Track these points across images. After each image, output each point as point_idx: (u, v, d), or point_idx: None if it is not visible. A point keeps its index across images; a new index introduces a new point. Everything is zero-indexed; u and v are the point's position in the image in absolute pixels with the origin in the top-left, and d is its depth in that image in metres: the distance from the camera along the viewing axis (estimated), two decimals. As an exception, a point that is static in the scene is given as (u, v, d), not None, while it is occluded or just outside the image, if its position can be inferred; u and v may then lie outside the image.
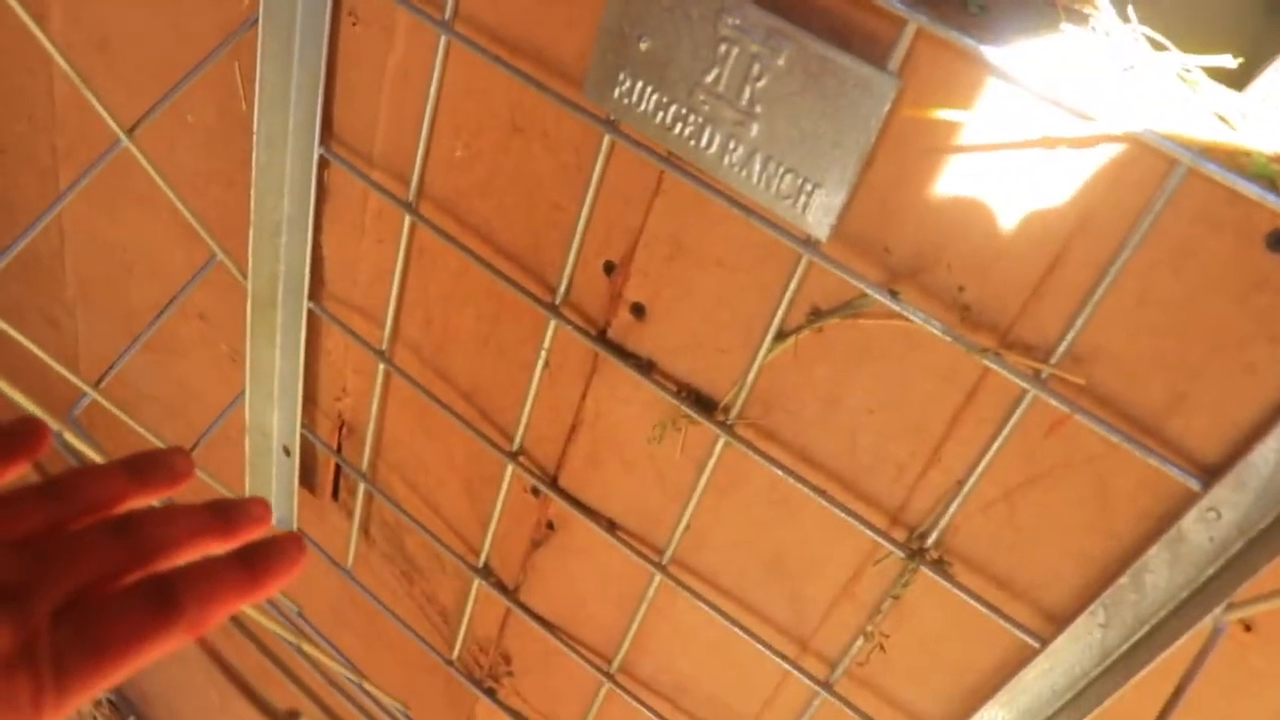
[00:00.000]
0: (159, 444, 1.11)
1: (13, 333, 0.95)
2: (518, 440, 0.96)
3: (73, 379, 1.01)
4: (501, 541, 1.06)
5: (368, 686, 1.13)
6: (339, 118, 0.97)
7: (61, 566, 0.47)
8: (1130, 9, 0.61)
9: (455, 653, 1.17)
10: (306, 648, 0.90)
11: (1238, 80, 0.64)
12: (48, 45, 0.84)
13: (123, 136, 0.89)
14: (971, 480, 0.73)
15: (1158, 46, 0.61)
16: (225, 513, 0.54)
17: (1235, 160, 0.57)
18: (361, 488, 1.16)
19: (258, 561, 0.51)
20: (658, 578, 0.92)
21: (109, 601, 0.47)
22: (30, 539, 0.48)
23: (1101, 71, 0.60)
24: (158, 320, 1.04)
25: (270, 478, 1.21)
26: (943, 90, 0.63)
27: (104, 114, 0.87)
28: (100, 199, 1.32)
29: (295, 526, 1.25)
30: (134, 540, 0.50)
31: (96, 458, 1.05)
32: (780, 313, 0.75)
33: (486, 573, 1.08)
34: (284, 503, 1.24)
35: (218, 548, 0.52)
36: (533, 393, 0.92)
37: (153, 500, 0.54)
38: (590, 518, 0.95)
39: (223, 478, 1.16)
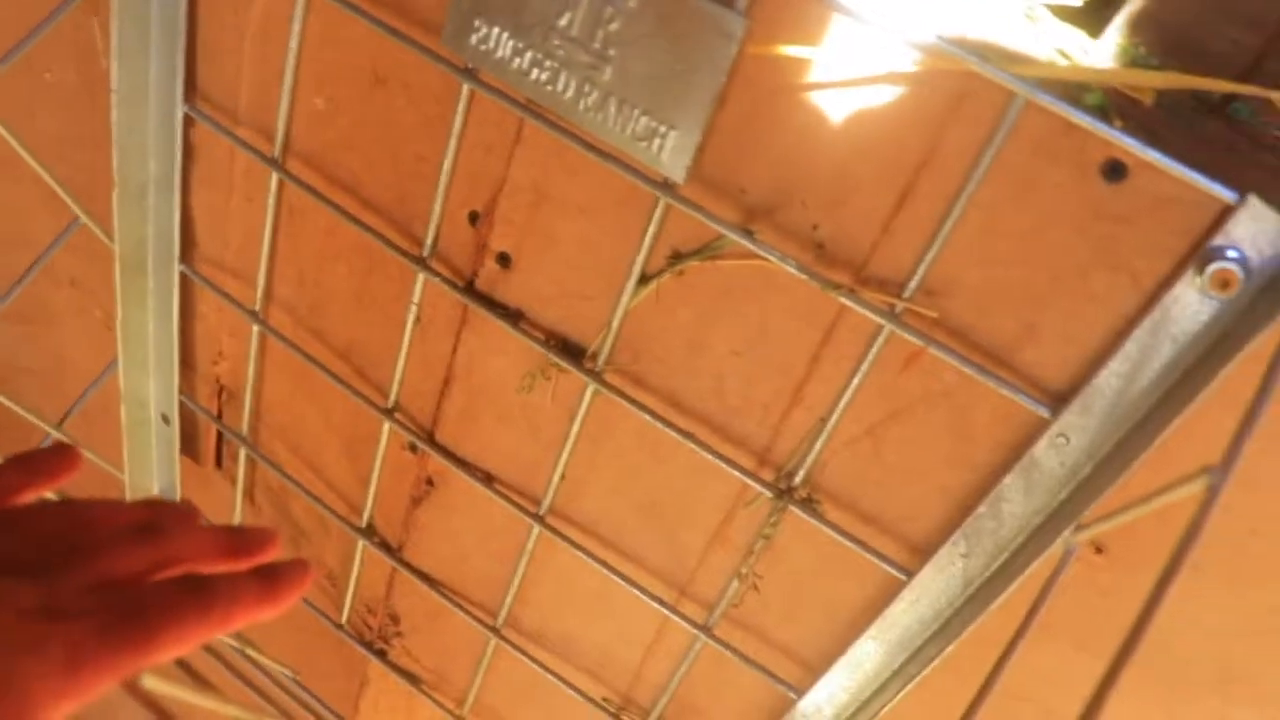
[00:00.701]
0: (33, 419, 1.09)
1: None
2: (393, 397, 0.96)
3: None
4: (383, 500, 1.05)
5: (251, 653, 1.12)
6: (202, 74, 0.95)
7: (87, 553, 0.50)
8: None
9: (344, 616, 1.16)
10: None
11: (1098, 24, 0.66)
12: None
13: (-29, 96, 0.87)
14: (834, 417, 0.74)
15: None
16: (238, 536, 0.57)
17: (1071, 92, 0.59)
18: (243, 453, 1.15)
19: (272, 577, 0.54)
20: (536, 529, 0.92)
21: (145, 585, 0.50)
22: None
23: (946, 8, 0.60)
24: (18, 286, 1.01)
25: (150, 447, 1.19)
26: (789, 28, 0.64)
27: (-51, 72, 0.84)
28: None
29: (179, 496, 1.23)
30: (157, 543, 0.53)
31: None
32: (641, 257, 0.75)
33: (370, 533, 1.07)
34: (166, 472, 1.22)
35: (232, 566, 0.55)
36: (405, 347, 0.91)
37: (44, 493, 0.56)
38: (467, 472, 0.95)
39: (101, 450, 1.14)
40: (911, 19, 0.60)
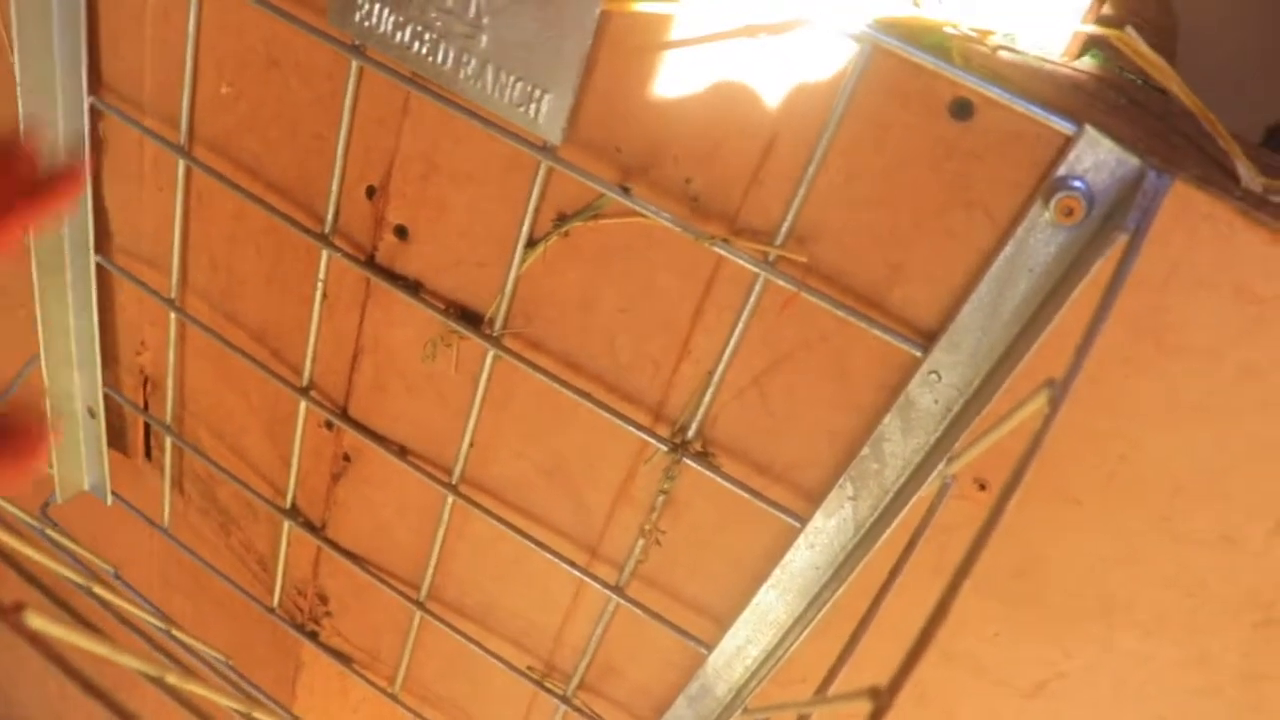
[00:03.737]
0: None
1: None
2: (306, 375, 0.97)
3: None
4: (305, 480, 1.06)
5: (180, 635, 1.13)
6: (106, 65, 0.96)
7: None
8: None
9: (275, 599, 1.18)
10: (103, 592, 0.90)
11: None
12: None
13: None
14: (720, 369, 0.76)
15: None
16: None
17: (915, 35, 0.61)
18: (169, 442, 1.16)
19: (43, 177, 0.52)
20: (450, 499, 0.94)
21: None
22: None
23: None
24: (-66, 282, 1.02)
25: (78, 442, 1.20)
26: (647, -15, 0.66)
27: None
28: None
29: (109, 491, 1.24)
30: None
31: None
32: (528, 221, 0.77)
33: (294, 513, 1.09)
34: (95, 467, 1.23)
35: None
36: (314, 325, 0.93)
37: None
38: (381, 445, 0.96)
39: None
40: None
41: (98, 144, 1.01)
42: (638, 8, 0.65)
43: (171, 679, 0.66)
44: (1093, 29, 0.68)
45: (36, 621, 0.51)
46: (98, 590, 0.88)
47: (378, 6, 0.74)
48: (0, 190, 0.50)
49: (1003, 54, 0.66)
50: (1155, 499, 0.68)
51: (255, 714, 0.96)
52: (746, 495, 0.79)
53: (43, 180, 0.52)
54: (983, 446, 0.63)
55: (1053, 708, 0.80)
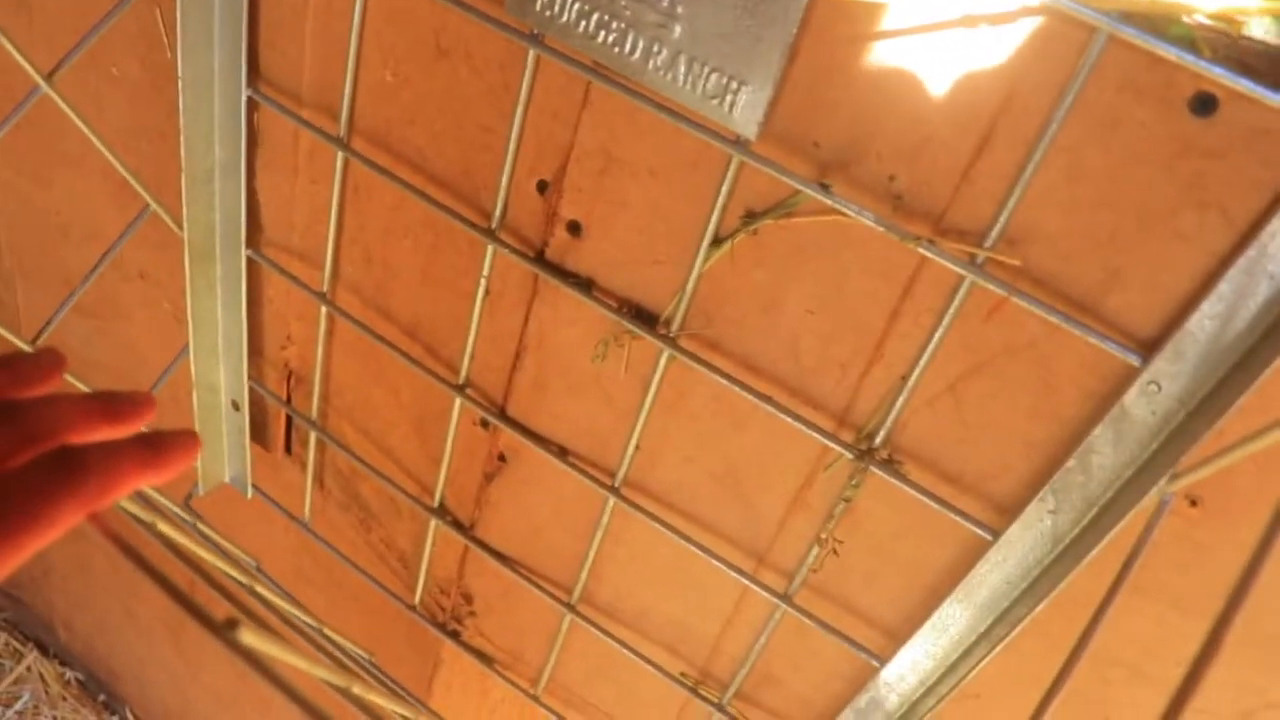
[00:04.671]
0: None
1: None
2: (464, 372, 0.95)
3: (15, 340, 1.00)
4: (455, 479, 1.05)
5: (329, 632, 1.12)
6: (265, 57, 0.95)
7: None
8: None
9: (417, 597, 1.17)
10: (263, 592, 0.90)
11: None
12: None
13: (41, 83, 0.87)
14: (915, 374, 0.72)
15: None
16: (109, 397, 0.55)
17: (1155, 25, 0.57)
18: (313, 436, 1.15)
19: (156, 442, 0.52)
20: (611, 501, 0.92)
21: (10, 470, 0.47)
22: None
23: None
24: (92, 274, 1.02)
25: (221, 435, 1.20)
26: (862, -26, 0.63)
27: (20, 59, 0.85)
28: (28, 166, 1.30)
29: (249, 483, 1.24)
30: (21, 422, 0.50)
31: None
32: (715, 218, 0.74)
33: (442, 512, 1.07)
34: (237, 459, 1.23)
35: (107, 434, 0.53)
36: (475, 321, 0.91)
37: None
38: (540, 445, 0.94)
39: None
40: (988, -42, 0.58)
41: (253, 137, 1.00)
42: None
43: (357, 689, 0.65)
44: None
45: (249, 637, 0.50)
46: (259, 589, 0.87)
47: (562, -5, 0.72)
48: (116, 451, 0.50)
49: (1245, 43, 0.61)
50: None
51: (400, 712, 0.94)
52: (936, 506, 0.76)
53: (159, 443, 0.53)
54: (1219, 466, 0.59)
55: (1258, 736, 0.76)
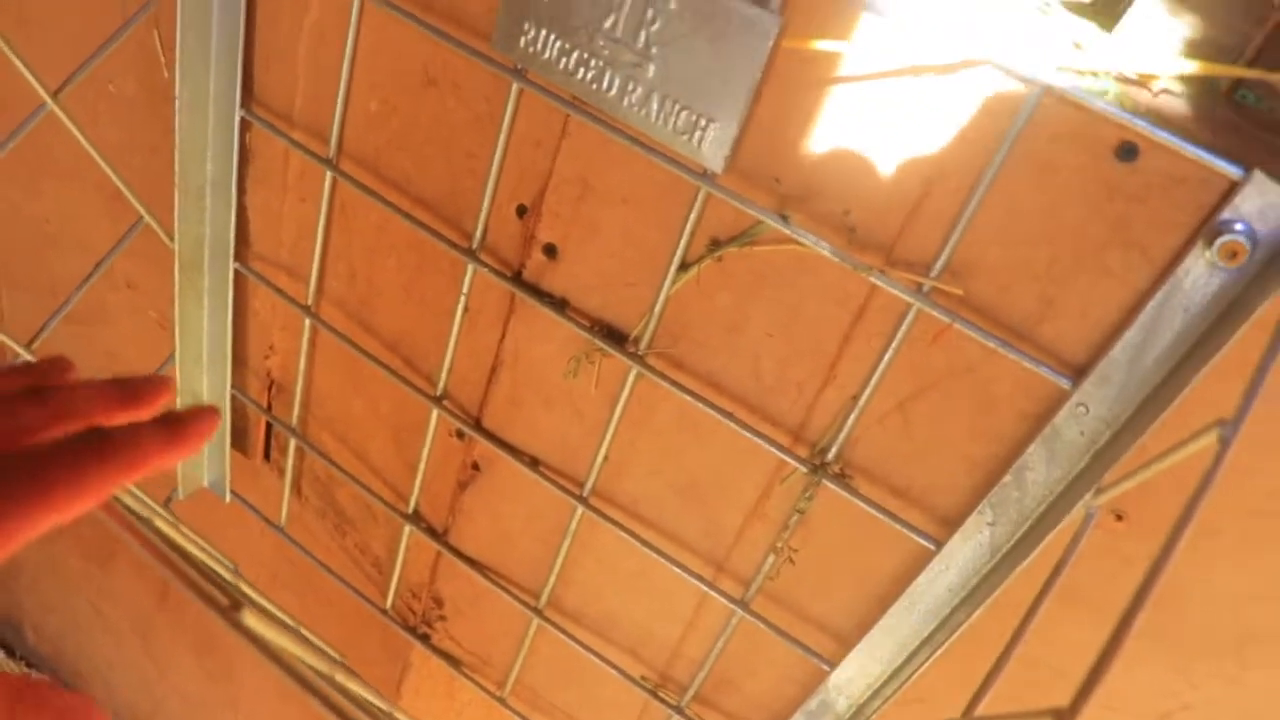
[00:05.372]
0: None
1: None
2: (441, 385, 1.00)
3: (11, 344, 1.04)
4: (430, 486, 1.10)
5: (304, 632, 1.16)
6: (259, 80, 1.00)
7: None
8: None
9: (389, 601, 1.21)
10: (246, 589, 0.94)
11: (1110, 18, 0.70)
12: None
13: (49, 100, 0.91)
14: (866, 394, 0.78)
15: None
16: (129, 381, 0.57)
17: (1083, 79, 0.63)
18: (292, 444, 1.20)
19: (176, 421, 0.55)
20: (579, 510, 0.97)
21: (41, 443, 0.50)
22: None
23: (966, 3, 0.65)
24: (85, 283, 1.06)
25: (202, 440, 1.24)
26: (820, 24, 0.68)
27: (28, 75, 0.89)
28: (19, 175, 1.34)
29: (228, 489, 1.28)
30: (50, 403, 0.53)
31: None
32: (682, 245, 0.79)
33: (416, 518, 1.12)
34: (216, 465, 1.27)
35: (128, 416, 0.56)
36: (454, 337, 0.96)
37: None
38: (513, 456, 0.99)
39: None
40: (934, 14, 0.64)
41: (245, 155, 1.05)
42: (816, 46, 0.67)
43: (340, 677, 0.69)
44: (1247, 73, 0.69)
45: (252, 620, 0.54)
46: (244, 588, 0.91)
47: (544, 33, 0.77)
48: (141, 428, 0.53)
49: (1164, 98, 0.67)
50: (1301, 537, 0.70)
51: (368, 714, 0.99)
52: (884, 518, 0.81)
53: (180, 421, 0.55)
54: (1137, 480, 0.65)
55: (1177, 738, 0.82)
